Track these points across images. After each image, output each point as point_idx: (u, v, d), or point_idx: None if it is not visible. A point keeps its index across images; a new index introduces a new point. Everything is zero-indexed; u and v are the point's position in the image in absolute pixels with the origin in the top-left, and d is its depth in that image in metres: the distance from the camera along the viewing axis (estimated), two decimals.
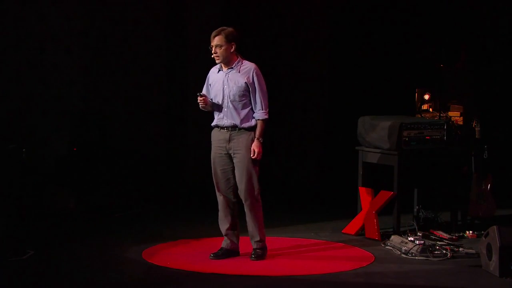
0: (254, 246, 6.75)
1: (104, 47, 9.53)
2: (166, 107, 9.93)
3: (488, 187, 8.01)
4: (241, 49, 6.80)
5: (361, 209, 7.80)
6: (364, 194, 7.78)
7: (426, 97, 8.45)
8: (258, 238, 6.74)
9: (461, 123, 8.29)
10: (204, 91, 6.77)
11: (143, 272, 6.39)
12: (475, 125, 8.05)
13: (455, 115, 8.38)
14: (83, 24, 9.36)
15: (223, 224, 6.84)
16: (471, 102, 8.74)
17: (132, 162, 9.31)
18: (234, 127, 6.65)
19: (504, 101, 9.98)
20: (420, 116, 8.31)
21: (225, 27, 6.66)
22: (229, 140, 6.67)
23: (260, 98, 6.61)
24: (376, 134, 7.70)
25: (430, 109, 8.43)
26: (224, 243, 6.86)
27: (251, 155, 6.60)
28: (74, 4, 9.33)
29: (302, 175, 10.56)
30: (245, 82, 6.60)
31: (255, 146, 6.60)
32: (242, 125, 6.63)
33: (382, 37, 10.30)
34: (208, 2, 10.03)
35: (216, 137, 6.75)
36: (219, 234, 7.14)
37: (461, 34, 9.81)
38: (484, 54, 9.90)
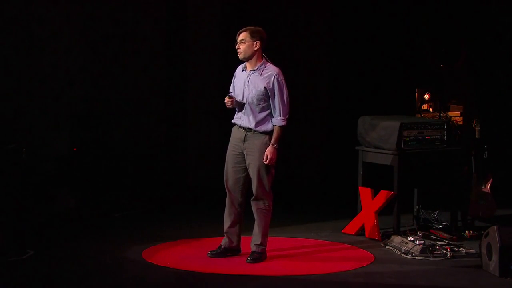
0: (253, 249, 6.74)
1: (104, 47, 9.53)
2: (166, 106, 9.93)
3: (488, 187, 8.01)
4: None
5: (361, 209, 7.79)
6: (364, 194, 7.78)
7: (426, 97, 8.45)
8: (259, 242, 6.73)
9: (461, 123, 8.29)
10: (231, 88, 6.79)
11: (143, 272, 6.39)
12: (475, 125, 8.05)
13: (455, 115, 8.38)
14: (83, 24, 9.36)
15: (226, 222, 6.85)
16: (471, 102, 8.74)
17: (132, 162, 9.31)
18: (249, 129, 6.63)
19: (504, 101, 9.98)
20: (420, 116, 8.31)
21: (253, 26, 6.66)
22: (244, 141, 6.66)
23: (279, 104, 6.57)
24: (376, 134, 7.70)
25: (430, 109, 8.43)
26: (223, 241, 6.87)
27: (264, 160, 6.58)
28: (74, 4, 9.32)
29: (302, 175, 10.57)
30: (265, 87, 6.56)
31: (268, 152, 6.56)
32: (257, 128, 6.60)
33: (382, 37, 10.30)
34: (208, 2, 10.02)
35: (234, 135, 6.75)
36: (219, 234, 7.15)
37: (461, 33, 9.80)
38: (484, 53, 9.89)
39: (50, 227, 7.85)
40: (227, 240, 6.85)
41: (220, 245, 6.85)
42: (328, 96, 10.65)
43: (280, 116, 6.58)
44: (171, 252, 7.02)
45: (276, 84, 6.56)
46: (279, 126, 6.58)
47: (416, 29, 10.16)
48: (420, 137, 7.62)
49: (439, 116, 8.18)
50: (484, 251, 6.46)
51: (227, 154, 6.78)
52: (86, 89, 9.43)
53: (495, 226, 6.40)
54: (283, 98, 6.58)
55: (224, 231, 6.86)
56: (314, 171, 10.62)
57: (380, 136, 7.66)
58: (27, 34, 9.06)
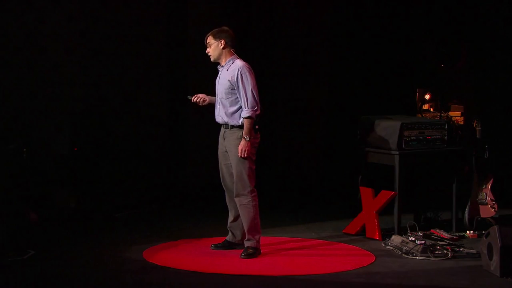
0: (245, 244, 6.82)
1: (104, 46, 9.51)
2: (166, 106, 9.92)
3: (489, 187, 8.00)
4: (242, 48, 6.86)
5: (361, 209, 7.79)
6: (365, 194, 7.77)
7: (427, 97, 8.45)
8: (247, 237, 6.82)
9: (462, 123, 8.29)
10: None
11: (143, 271, 6.38)
12: (476, 125, 8.03)
13: (456, 115, 8.37)
14: (83, 24, 9.35)
15: (229, 217, 7.01)
16: (471, 102, 8.73)
17: (133, 161, 9.30)
18: (226, 125, 6.82)
19: (504, 100, 9.97)
20: (421, 116, 8.30)
21: (218, 28, 6.87)
22: (224, 138, 6.85)
23: (244, 97, 6.69)
24: (377, 134, 7.70)
25: (431, 109, 8.43)
26: (228, 236, 7.04)
27: (239, 154, 6.68)
28: (75, 4, 9.31)
29: (303, 174, 10.56)
30: (229, 80, 6.73)
31: (240, 145, 6.69)
32: (230, 122, 6.79)
33: (383, 36, 10.30)
34: (209, 2, 10.02)
35: (219, 133, 6.94)
36: (220, 234, 7.17)
37: (461, 33, 9.80)
38: (484, 53, 9.88)
39: (51, 227, 7.85)
40: (230, 234, 7.02)
41: (225, 239, 7.02)
42: (329, 96, 10.64)
43: (246, 108, 6.70)
44: (172, 252, 7.02)
45: (239, 77, 6.70)
46: (244, 118, 6.69)
47: (417, 30, 10.15)
48: (421, 137, 7.62)
49: (440, 116, 8.17)
50: (485, 251, 6.45)
51: (218, 154, 6.97)
52: (86, 89, 9.42)
53: (496, 226, 6.40)
54: (247, 90, 6.69)
55: (228, 226, 7.02)
56: (315, 171, 10.61)
57: (381, 136, 7.66)
58: (27, 34, 9.05)
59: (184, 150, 9.99)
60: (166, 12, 9.89)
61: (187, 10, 9.94)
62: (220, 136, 6.91)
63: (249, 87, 6.69)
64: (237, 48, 6.89)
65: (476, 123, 8.04)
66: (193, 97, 6.96)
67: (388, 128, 7.60)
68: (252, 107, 6.68)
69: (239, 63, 6.76)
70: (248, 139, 6.66)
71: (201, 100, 6.95)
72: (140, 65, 9.74)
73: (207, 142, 9.82)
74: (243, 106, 6.70)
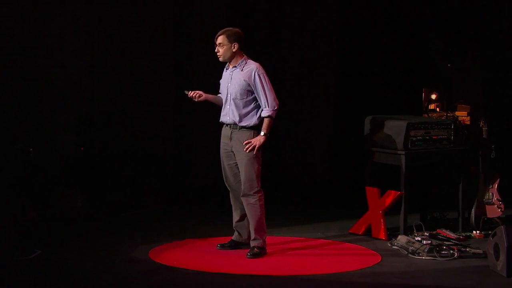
0: (251, 244, 6.83)
1: (110, 47, 9.53)
2: (172, 106, 9.94)
3: (496, 187, 7.99)
4: (247, 48, 6.86)
5: (368, 209, 7.78)
6: (371, 194, 7.77)
7: (433, 96, 8.44)
8: (253, 237, 6.82)
9: (468, 122, 8.27)
10: (220, 90, 7.00)
11: (149, 271, 6.39)
12: (482, 125, 8.02)
13: (462, 114, 8.36)
14: (89, 24, 9.36)
15: (233, 217, 7.02)
16: (478, 102, 8.71)
17: (139, 161, 9.31)
18: (235, 125, 6.80)
19: (511, 100, 9.95)
20: (427, 116, 8.29)
21: (230, 28, 6.85)
22: (231, 138, 6.82)
23: (263, 97, 6.72)
24: (383, 134, 7.69)
25: (437, 109, 8.41)
26: (234, 235, 7.04)
27: (245, 148, 6.68)
28: (81, 4, 9.33)
29: (309, 174, 10.56)
30: (245, 81, 6.73)
31: (255, 139, 6.69)
32: (241, 123, 6.77)
33: (389, 36, 10.29)
34: (215, 2, 10.03)
35: (222, 133, 6.93)
36: (226, 233, 7.17)
37: (468, 33, 9.78)
38: (491, 53, 9.86)
39: (57, 227, 7.86)
40: (236, 234, 7.02)
41: (231, 239, 7.02)
42: (335, 96, 10.64)
43: (266, 107, 6.72)
44: (178, 252, 7.03)
45: (257, 78, 6.72)
46: (265, 116, 6.72)
47: (423, 29, 10.14)
48: (427, 137, 7.61)
49: (446, 116, 8.16)
50: (491, 251, 6.44)
51: (220, 154, 6.96)
52: (93, 89, 9.44)
53: (502, 226, 6.39)
54: (266, 90, 6.73)
55: (233, 226, 7.02)
56: (321, 171, 10.61)
57: (387, 136, 7.65)
58: (34, 34, 9.07)
59: (190, 149, 10.00)
60: (172, 12, 9.91)
61: (194, 10, 9.95)
62: (223, 136, 6.90)
63: (268, 87, 6.73)
64: (245, 48, 6.91)
65: (482, 123, 8.02)
66: (190, 92, 6.92)
67: (394, 128, 7.60)
68: (273, 107, 6.72)
69: (252, 63, 6.79)
70: (265, 135, 6.69)
71: (197, 96, 6.91)
72: (146, 65, 9.76)
73: (213, 141, 9.82)
74: (263, 106, 6.72)
